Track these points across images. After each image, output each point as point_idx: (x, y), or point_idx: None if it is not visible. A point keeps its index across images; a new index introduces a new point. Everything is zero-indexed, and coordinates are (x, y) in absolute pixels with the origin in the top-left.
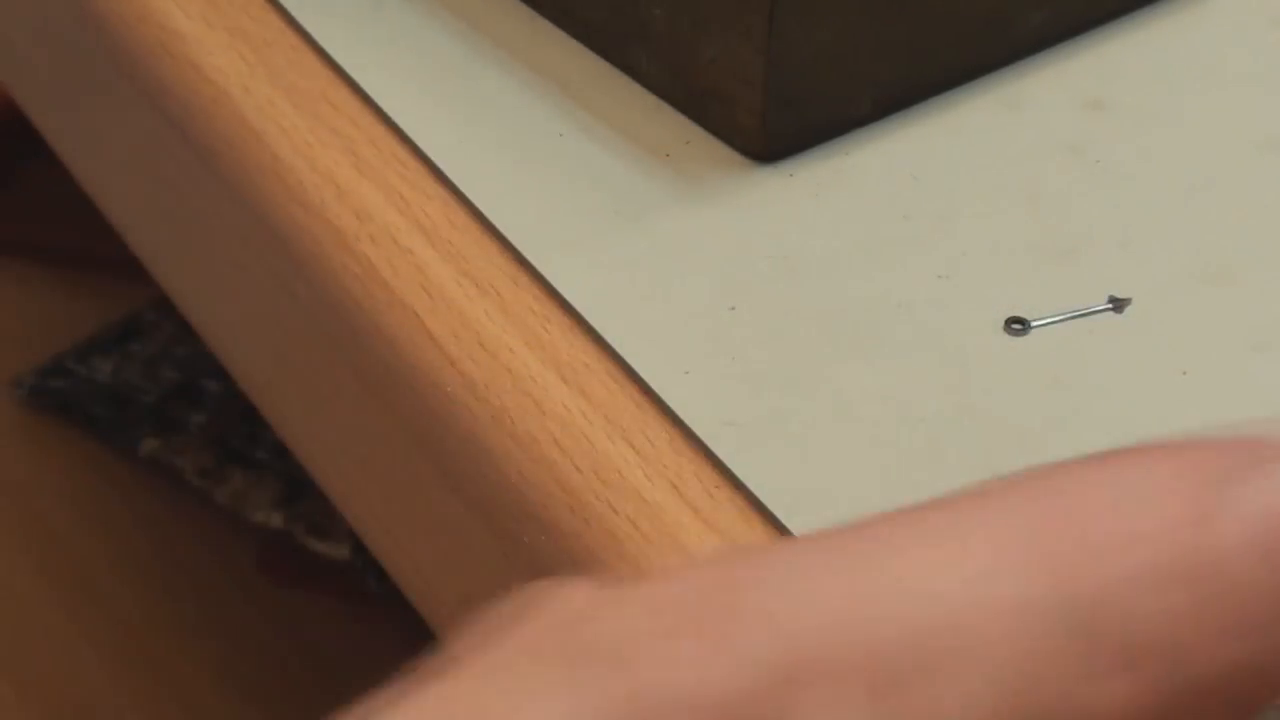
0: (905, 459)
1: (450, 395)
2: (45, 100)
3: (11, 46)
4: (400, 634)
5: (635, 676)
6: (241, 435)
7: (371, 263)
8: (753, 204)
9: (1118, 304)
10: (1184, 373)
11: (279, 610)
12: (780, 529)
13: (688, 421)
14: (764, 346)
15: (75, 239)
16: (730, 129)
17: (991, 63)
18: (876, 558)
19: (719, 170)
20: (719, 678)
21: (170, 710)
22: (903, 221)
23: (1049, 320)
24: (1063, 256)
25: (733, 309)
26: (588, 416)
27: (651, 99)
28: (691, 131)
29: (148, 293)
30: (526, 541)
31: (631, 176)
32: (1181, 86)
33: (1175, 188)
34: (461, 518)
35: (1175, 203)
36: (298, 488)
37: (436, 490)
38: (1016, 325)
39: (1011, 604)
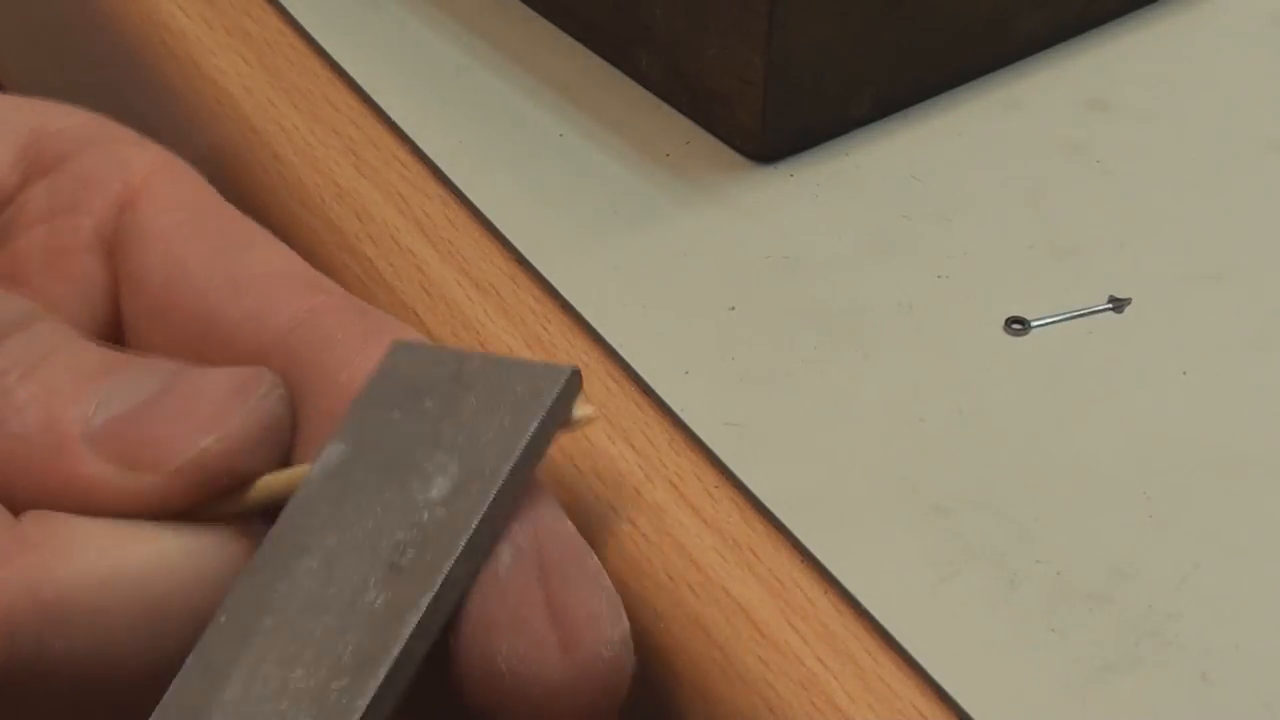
0: (905, 459)
1: None
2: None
3: (12, 46)
4: None
5: None
6: None
7: (371, 263)
8: (753, 204)
9: (1118, 304)
10: (1184, 373)
11: None
12: (780, 529)
13: (688, 421)
14: (764, 346)
15: None
16: (730, 129)
17: (991, 63)
18: None
19: (719, 170)
20: None
21: None
22: (903, 221)
23: (1049, 320)
24: (1063, 256)
25: (733, 309)
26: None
27: (651, 99)
28: (691, 132)
29: None
30: None
31: (631, 177)
32: (1182, 86)
33: (1175, 188)
34: None
35: (1175, 203)
36: None
37: None
38: (1016, 325)
39: None
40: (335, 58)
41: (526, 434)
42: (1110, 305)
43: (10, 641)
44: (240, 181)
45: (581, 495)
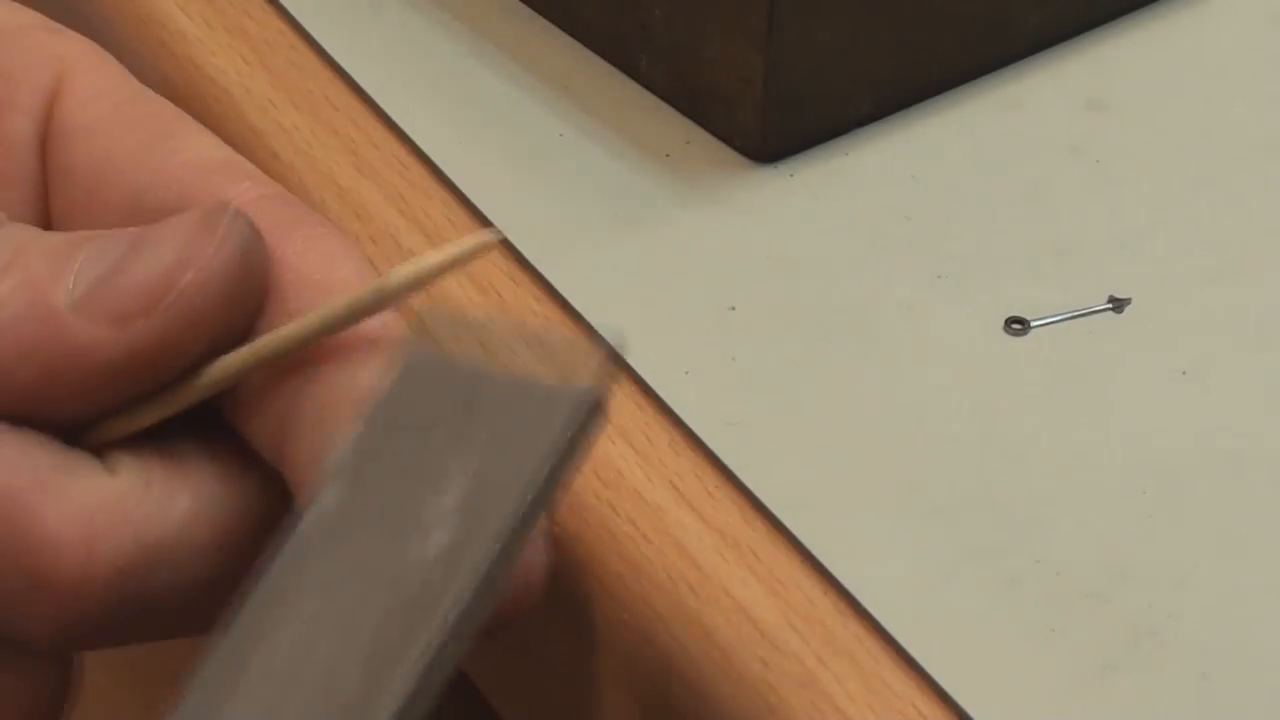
0: (905, 459)
1: None
2: None
3: None
4: None
5: None
6: None
7: (372, 263)
8: (752, 204)
9: (1118, 304)
10: (1184, 373)
11: None
12: (780, 529)
13: (688, 421)
14: (764, 346)
15: None
16: (730, 129)
17: (991, 63)
18: None
19: (719, 171)
20: None
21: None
22: (903, 221)
23: (1049, 320)
24: (1063, 256)
25: (733, 309)
26: None
27: (651, 99)
28: (691, 132)
29: None
30: None
31: (631, 177)
32: (1181, 86)
33: (1175, 188)
34: None
35: (1175, 203)
36: None
37: None
38: (1016, 325)
39: None
40: (335, 58)
41: (537, 482)
42: (1110, 305)
43: (121, 579)
44: None
45: (581, 495)
